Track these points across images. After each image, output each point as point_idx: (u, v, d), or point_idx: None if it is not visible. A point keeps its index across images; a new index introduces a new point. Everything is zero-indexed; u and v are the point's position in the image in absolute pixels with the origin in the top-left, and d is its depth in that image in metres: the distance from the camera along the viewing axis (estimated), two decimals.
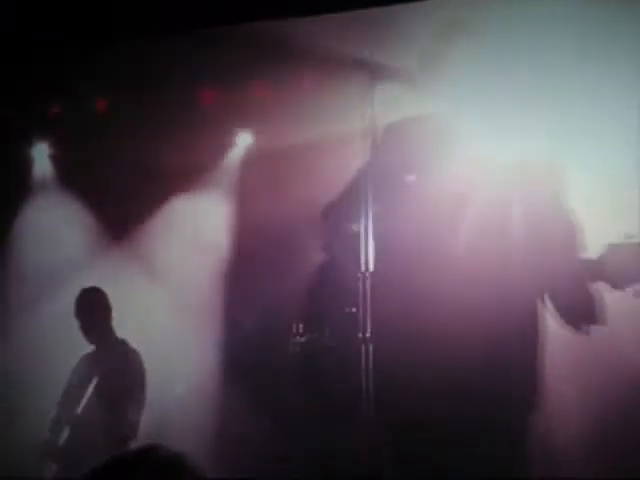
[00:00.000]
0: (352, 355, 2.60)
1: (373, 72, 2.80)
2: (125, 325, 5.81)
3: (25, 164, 6.82)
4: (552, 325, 2.89)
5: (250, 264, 6.28)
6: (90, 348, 5.66)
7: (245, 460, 5.89)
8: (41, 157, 6.83)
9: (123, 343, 5.66)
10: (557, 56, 4.75)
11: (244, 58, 5.63)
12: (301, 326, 2.95)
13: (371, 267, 2.63)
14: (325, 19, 5.08)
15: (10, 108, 6.21)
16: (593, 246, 2.77)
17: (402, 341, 2.71)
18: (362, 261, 2.64)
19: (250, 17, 5.17)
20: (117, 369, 5.48)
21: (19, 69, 5.74)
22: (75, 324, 5.73)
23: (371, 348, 2.52)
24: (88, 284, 5.82)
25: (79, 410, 5.42)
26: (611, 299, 2.77)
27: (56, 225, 6.73)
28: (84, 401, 5.44)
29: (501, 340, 2.70)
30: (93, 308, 5.67)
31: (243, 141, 6.52)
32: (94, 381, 5.45)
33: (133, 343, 5.66)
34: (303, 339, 2.88)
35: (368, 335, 2.53)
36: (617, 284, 2.66)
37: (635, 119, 4.75)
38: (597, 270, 2.67)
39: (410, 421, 2.79)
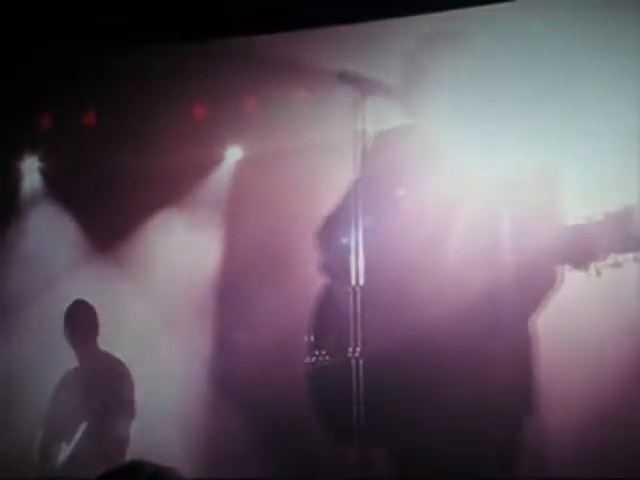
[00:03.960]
0: (347, 371, 2.59)
1: (360, 86, 2.80)
2: (113, 339, 5.80)
3: (14, 178, 6.80)
4: (545, 337, 2.89)
5: (240, 278, 6.27)
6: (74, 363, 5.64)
7: (236, 474, 5.88)
8: (31, 171, 6.82)
9: (106, 355, 5.64)
10: (543, 68, 4.77)
11: (234, 73, 5.64)
12: (309, 342, 2.93)
13: (361, 281, 2.61)
14: (312, 34, 5.10)
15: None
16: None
17: (392, 355, 2.70)
18: (352, 275, 2.63)
19: (241, 31, 5.19)
20: (104, 383, 5.45)
21: (7, 82, 5.73)
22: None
23: (361, 363, 2.50)
24: (75, 297, 5.80)
25: (70, 430, 5.36)
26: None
27: (45, 238, 6.70)
28: (75, 420, 5.38)
29: (493, 353, 2.70)
30: (78, 324, 5.66)
31: (233, 155, 6.53)
32: (81, 398, 5.39)
33: (119, 356, 5.64)
34: (313, 359, 2.87)
35: (359, 350, 2.52)
36: (578, 264, 2.66)
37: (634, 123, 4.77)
38: (561, 252, 2.68)
39: (403, 435, 2.77)
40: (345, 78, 2.82)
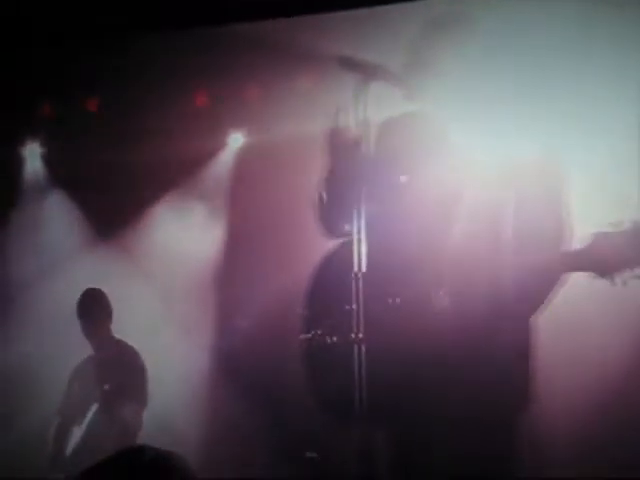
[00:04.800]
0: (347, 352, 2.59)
1: (361, 71, 2.78)
2: (117, 326, 5.80)
3: (16, 164, 6.80)
4: (546, 326, 2.89)
5: (243, 264, 6.26)
6: (87, 352, 5.62)
7: (239, 460, 5.90)
8: (33, 157, 6.81)
9: (119, 342, 5.61)
10: (547, 52, 4.76)
11: (237, 60, 5.62)
12: (305, 323, 2.92)
13: (364, 268, 2.61)
14: (316, 20, 5.08)
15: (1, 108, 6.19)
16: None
17: (394, 341, 2.70)
18: (355, 262, 2.62)
19: (241, 17, 5.17)
20: (117, 370, 5.40)
21: (10, 69, 5.72)
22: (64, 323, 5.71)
23: (364, 349, 2.51)
24: (79, 284, 5.80)
25: (85, 417, 5.35)
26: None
27: (48, 225, 6.70)
28: (89, 407, 5.37)
29: (494, 339, 2.69)
30: (92, 311, 5.60)
31: (235, 142, 6.52)
32: (97, 386, 5.35)
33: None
34: (309, 335, 2.85)
35: (361, 336, 2.52)
36: (604, 273, 2.63)
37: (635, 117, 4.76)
38: (583, 260, 2.64)
39: (404, 421, 2.78)
40: (345, 63, 2.81)
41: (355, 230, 2.67)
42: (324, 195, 3.04)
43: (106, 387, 5.29)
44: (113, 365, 5.43)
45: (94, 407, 5.33)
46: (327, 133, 2.98)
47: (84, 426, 5.32)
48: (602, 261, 2.61)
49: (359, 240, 2.64)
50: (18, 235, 6.69)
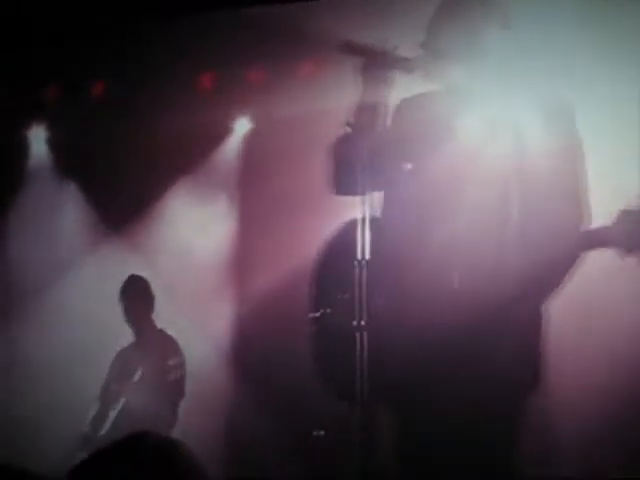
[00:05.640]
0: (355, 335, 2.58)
1: (364, 55, 2.76)
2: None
3: (22, 148, 6.77)
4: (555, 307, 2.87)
5: (255, 248, 6.24)
6: (124, 340, 5.59)
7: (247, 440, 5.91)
8: (38, 141, 6.77)
9: (161, 332, 5.56)
10: (564, 37, 4.74)
11: (241, 44, 5.61)
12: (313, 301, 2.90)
13: (367, 255, 2.60)
14: (321, 4, 5.07)
15: (7, 91, 6.18)
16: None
17: (403, 324, 2.69)
18: (359, 249, 2.62)
19: (248, 1, 5.16)
20: (158, 360, 5.35)
21: (17, 52, 5.71)
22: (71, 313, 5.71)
23: (366, 336, 2.51)
24: (87, 273, 5.79)
25: (121, 403, 5.33)
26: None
27: (53, 210, 6.68)
28: (125, 394, 5.35)
29: (500, 323, 2.68)
30: (139, 297, 5.56)
31: (241, 127, 6.50)
32: (135, 373, 5.34)
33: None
34: (317, 314, 2.83)
35: (363, 323, 2.52)
36: (630, 250, 2.62)
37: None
38: (610, 237, 2.63)
39: (407, 407, 2.78)
40: (348, 48, 2.78)
41: (359, 217, 2.66)
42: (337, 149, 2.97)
43: (136, 377, 5.29)
44: (151, 355, 5.39)
45: (123, 399, 5.33)
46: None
47: (116, 412, 5.32)
48: (626, 238, 2.59)
49: (363, 227, 2.63)
50: (21, 223, 6.65)
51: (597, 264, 2.83)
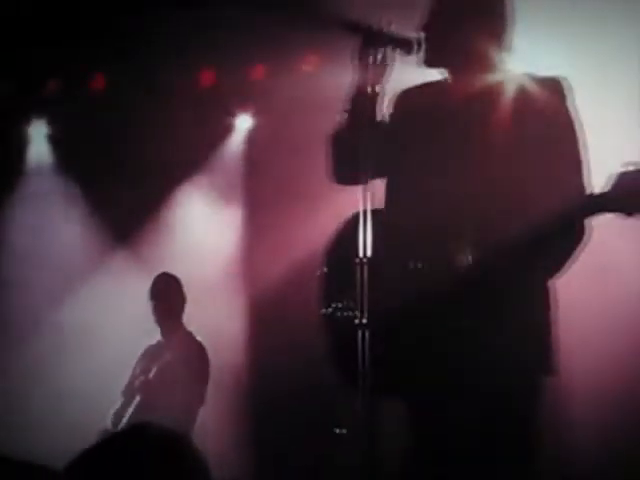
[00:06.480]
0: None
1: (363, 34, 2.72)
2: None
3: (22, 143, 6.78)
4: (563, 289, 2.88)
5: (262, 243, 6.25)
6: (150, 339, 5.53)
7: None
8: (39, 137, 6.79)
9: (189, 335, 5.44)
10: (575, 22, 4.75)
11: (242, 40, 5.62)
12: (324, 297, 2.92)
13: (369, 253, 2.60)
14: None
15: (7, 86, 6.20)
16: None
17: (414, 307, 2.70)
18: (360, 246, 2.61)
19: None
20: (180, 361, 5.26)
21: (18, 48, 5.73)
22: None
23: (367, 334, 2.51)
24: (87, 272, 5.79)
25: (136, 400, 5.30)
26: None
27: (52, 207, 6.69)
28: (140, 392, 5.31)
29: (508, 310, 2.68)
30: (167, 295, 5.43)
31: (243, 123, 6.52)
32: (155, 370, 5.30)
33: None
34: (329, 310, 2.84)
35: (364, 321, 2.52)
36: (631, 212, 2.60)
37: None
38: (610, 200, 2.61)
39: (422, 390, 2.80)
40: (345, 25, 2.74)
41: (361, 214, 2.65)
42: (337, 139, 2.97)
43: (151, 375, 5.26)
44: (174, 356, 5.30)
45: (137, 398, 5.30)
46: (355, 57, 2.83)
47: (132, 409, 5.30)
48: (626, 199, 2.58)
49: (364, 224, 2.62)
50: (21, 216, 6.69)
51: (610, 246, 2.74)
